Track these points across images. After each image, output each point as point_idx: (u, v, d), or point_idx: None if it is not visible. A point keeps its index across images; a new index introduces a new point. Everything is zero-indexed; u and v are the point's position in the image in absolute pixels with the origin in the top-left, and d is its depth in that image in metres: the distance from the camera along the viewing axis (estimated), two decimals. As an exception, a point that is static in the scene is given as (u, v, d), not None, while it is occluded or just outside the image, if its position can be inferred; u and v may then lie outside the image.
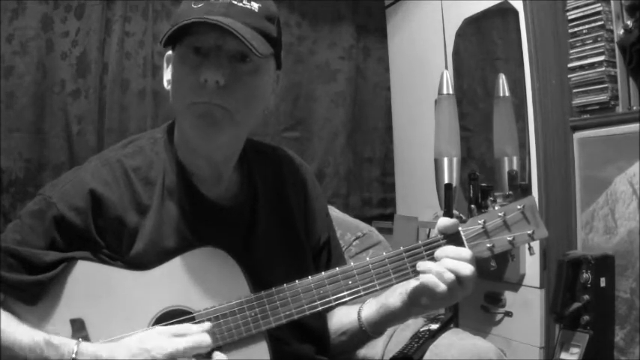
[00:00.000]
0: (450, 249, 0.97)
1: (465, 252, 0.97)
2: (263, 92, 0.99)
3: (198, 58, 0.93)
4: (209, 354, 0.93)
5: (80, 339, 0.92)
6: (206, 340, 0.91)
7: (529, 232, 0.99)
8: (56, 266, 0.96)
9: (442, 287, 0.94)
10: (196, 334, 0.91)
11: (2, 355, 0.91)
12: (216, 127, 0.94)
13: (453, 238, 0.99)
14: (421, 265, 0.97)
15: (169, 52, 1.02)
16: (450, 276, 0.94)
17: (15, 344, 0.91)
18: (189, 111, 0.95)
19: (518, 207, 1.00)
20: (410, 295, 1.01)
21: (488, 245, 0.99)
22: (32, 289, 0.95)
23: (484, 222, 0.99)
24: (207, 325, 0.93)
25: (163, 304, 0.96)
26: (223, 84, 0.92)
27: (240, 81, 0.94)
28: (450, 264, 0.95)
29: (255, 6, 0.95)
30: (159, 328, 0.92)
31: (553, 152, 2.08)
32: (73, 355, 0.89)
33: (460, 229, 0.99)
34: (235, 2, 0.93)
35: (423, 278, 0.96)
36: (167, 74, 1.02)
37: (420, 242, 0.99)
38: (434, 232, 1.01)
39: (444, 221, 0.99)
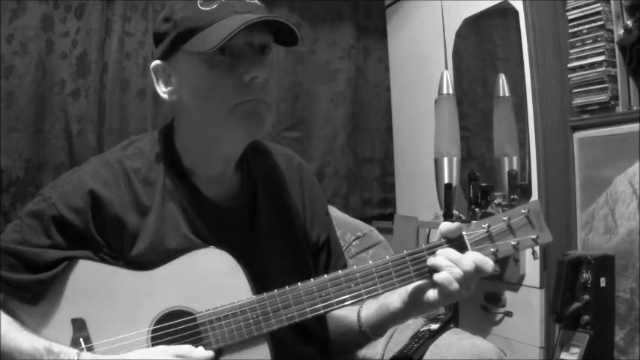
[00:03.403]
0: (451, 251, 0.97)
1: (469, 254, 0.97)
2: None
3: (230, 58, 0.94)
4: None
5: (83, 348, 0.93)
6: None
7: (533, 236, 0.99)
8: (57, 265, 0.96)
9: (455, 285, 0.94)
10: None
11: None
12: (262, 122, 0.97)
13: (456, 242, 0.98)
14: (431, 260, 0.96)
15: (157, 62, 1.01)
16: (459, 272, 0.94)
17: (15, 350, 0.91)
18: (235, 112, 0.95)
19: (523, 211, 0.99)
20: (410, 295, 1.01)
21: (492, 250, 0.98)
22: (33, 288, 0.95)
23: (488, 226, 0.99)
24: (210, 353, 0.93)
25: (165, 304, 0.96)
26: (265, 78, 0.95)
27: (269, 73, 0.97)
28: (455, 259, 0.95)
29: (256, 0, 0.98)
30: (162, 347, 0.93)
31: (553, 152, 2.09)
32: None
33: (464, 233, 0.99)
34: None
35: (436, 277, 0.95)
36: (162, 86, 1.01)
37: (423, 246, 0.99)
38: (436, 235, 1.01)
39: (447, 225, 0.98)
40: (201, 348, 0.93)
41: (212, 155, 1.02)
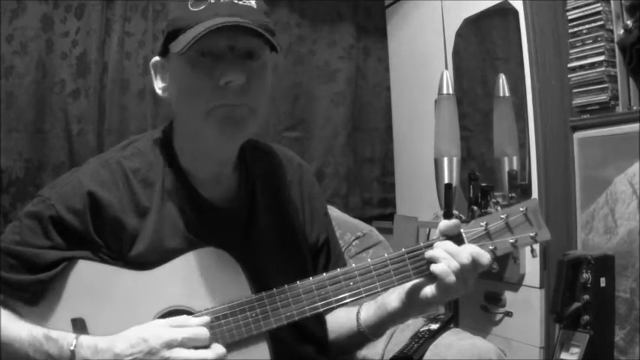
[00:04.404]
0: (448, 243, 0.98)
1: (466, 247, 0.97)
2: (270, 84, 1.01)
3: (210, 61, 0.93)
4: None
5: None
6: (204, 333, 0.91)
7: (531, 234, 0.99)
8: (57, 265, 0.96)
9: (452, 277, 0.94)
10: (195, 327, 0.91)
11: (3, 351, 0.92)
12: (239, 127, 0.96)
13: (454, 239, 0.99)
14: (429, 252, 0.97)
15: (156, 59, 1.02)
16: (456, 264, 0.94)
17: (15, 340, 0.91)
18: (211, 116, 0.94)
19: (521, 209, 1.00)
20: (408, 294, 1.02)
21: (490, 247, 0.99)
22: (33, 288, 0.95)
23: (486, 224, 0.99)
24: (206, 318, 0.93)
25: (164, 304, 0.96)
26: (243, 84, 0.93)
27: (255, 77, 0.95)
28: (452, 251, 0.96)
29: (253, 2, 0.95)
30: (158, 320, 0.93)
31: (553, 152, 2.08)
32: (72, 348, 0.89)
33: (462, 230, 0.99)
34: (236, 1, 0.93)
35: (433, 267, 0.96)
36: (159, 82, 1.02)
37: (421, 244, 0.99)
38: (435, 233, 1.01)
39: (446, 223, 0.99)
40: (197, 316, 0.93)
41: (202, 156, 1.02)
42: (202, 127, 0.96)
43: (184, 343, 0.89)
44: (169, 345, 0.88)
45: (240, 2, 0.94)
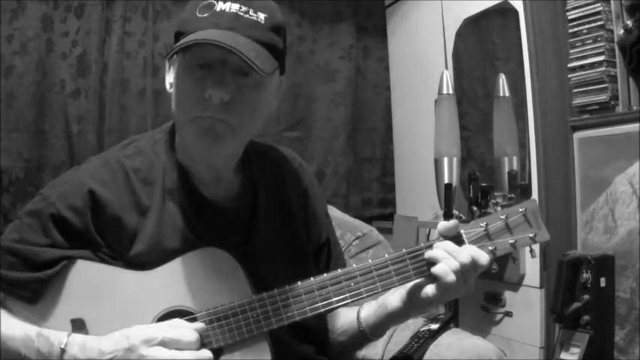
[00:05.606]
0: (448, 243, 0.98)
1: (465, 247, 0.97)
2: (266, 103, 0.99)
3: (202, 71, 0.93)
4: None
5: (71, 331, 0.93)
6: (190, 335, 0.90)
7: (531, 235, 1.00)
8: (56, 264, 0.96)
9: (452, 277, 0.94)
10: (183, 329, 0.91)
11: None
12: (218, 141, 0.94)
13: (454, 240, 0.99)
14: (428, 253, 0.98)
15: None
16: (455, 263, 0.95)
17: (8, 338, 0.92)
18: (192, 124, 0.95)
19: (520, 210, 1.00)
20: (409, 294, 1.02)
21: (490, 248, 0.99)
22: (32, 286, 0.95)
23: (486, 225, 1.00)
24: (200, 324, 0.93)
25: (165, 304, 0.96)
26: (227, 100, 0.92)
27: (244, 95, 0.94)
28: (452, 251, 0.96)
29: (262, 17, 0.93)
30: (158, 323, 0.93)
31: (553, 152, 2.09)
32: (62, 346, 0.90)
33: (462, 231, 1.00)
34: (242, 14, 0.92)
35: (433, 269, 0.96)
36: (169, 77, 1.02)
37: (422, 244, 0.99)
38: (434, 234, 1.01)
39: (444, 224, 1.00)
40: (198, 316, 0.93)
41: (198, 161, 1.02)
42: (187, 132, 0.97)
43: (165, 343, 0.88)
44: (148, 342, 0.88)
45: (246, 16, 0.92)
